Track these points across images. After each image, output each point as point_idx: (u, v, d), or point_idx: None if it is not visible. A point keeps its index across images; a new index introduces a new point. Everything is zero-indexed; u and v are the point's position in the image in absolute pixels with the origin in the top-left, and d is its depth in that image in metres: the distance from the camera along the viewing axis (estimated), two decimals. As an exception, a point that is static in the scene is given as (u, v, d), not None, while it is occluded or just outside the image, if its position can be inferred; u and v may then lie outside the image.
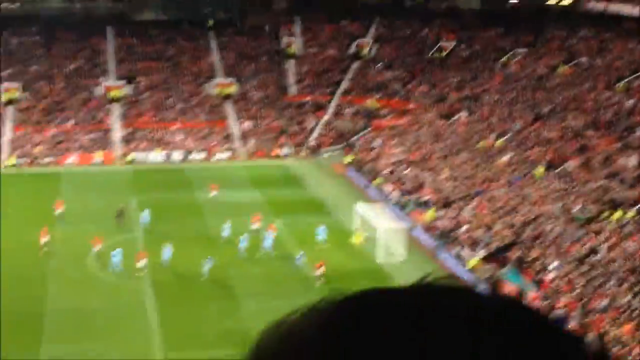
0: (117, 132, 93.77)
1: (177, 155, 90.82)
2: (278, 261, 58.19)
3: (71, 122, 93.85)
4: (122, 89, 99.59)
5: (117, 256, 55.14)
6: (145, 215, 63.97)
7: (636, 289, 44.54)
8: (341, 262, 58.05)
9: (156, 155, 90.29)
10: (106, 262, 56.12)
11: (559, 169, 63.90)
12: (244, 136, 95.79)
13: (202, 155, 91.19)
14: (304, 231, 62.72)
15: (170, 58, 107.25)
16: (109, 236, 59.80)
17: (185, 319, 48.34)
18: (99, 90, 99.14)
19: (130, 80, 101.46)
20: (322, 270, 53.20)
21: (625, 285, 45.22)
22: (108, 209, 67.18)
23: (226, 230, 61.68)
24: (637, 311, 42.62)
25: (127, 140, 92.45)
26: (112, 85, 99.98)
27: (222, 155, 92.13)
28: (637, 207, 53.48)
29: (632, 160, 58.90)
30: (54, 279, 54.29)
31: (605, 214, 54.28)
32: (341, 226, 66.09)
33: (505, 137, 74.95)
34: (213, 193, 71.33)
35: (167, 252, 55.95)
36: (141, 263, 55.06)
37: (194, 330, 46.86)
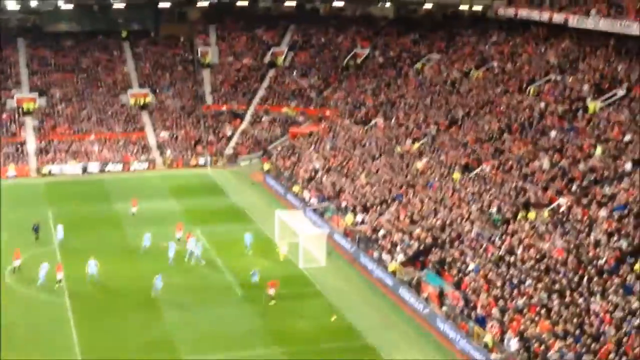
0: (32, 145, 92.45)
1: (93, 167, 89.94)
2: (200, 270, 57.99)
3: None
4: (36, 101, 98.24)
5: (43, 270, 54.37)
6: (60, 230, 63.08)
7: (551, 287, 45.47)
8: (265, 268, 58.12)
9: (72, 167, 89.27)
10: (26, 276, 55.32)
11: (475, 172, 64.92)
12: (162, 146, 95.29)
13: (120, 166, 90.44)
14: (225, 239, 62.64)
15: (84, 69, 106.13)
16: (25, 250, 58.96)
17: (106, 332, 47.87)
18: (11, 103, 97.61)
19: (43, 92, 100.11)
20: (274, 290, 51.95)
21: (540, 284, 46.12)
22: (24, 223, 66.24)
23: (146, 240, 61.35)
24: (553, 309, 43.51)
25: (42, 152, 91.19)
26: (24, 97, 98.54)
27: (139, 166, 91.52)
28: (550, 207, 54.60)
29: (544, 163, 60.10)
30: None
31: (521, 215, 55.30)
32: (262, 233, 66.20)
33: (422, 142, 75.87)
34: (133, 209, 70.44)
35: (92, 266, 55.15)
36: (59, 275, 54.44)
37: (115, 342, 46.42)
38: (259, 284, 53.43)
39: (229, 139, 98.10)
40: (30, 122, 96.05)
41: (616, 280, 44.08)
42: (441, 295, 50.14)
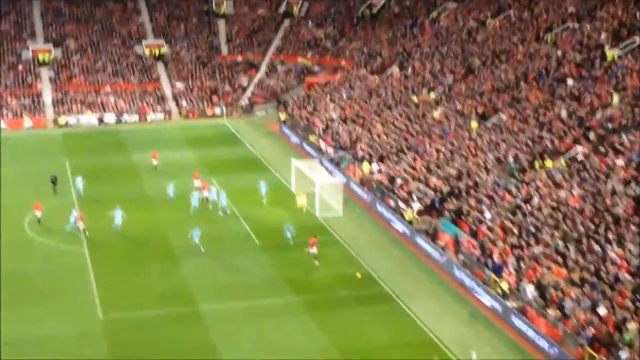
0: (48, 96, 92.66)
1: (110, 118, 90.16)
2: (218, 220, 58.23)
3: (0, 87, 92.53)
4: (51, 52, 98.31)
5: (73, 217, 55.11)
6: (79, 182, 63.39)
7: (568, 235, 45.52)
8: (281, 217, 58.40)
9: (89, 118, 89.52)
10: (45, 227, 55.77)
11: (492, 121, 64.78)
12: (177, 97, 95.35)
13: (136, 117, 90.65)
14: (242, 189, 62.84)
15: (98, 20, 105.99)
16: (44, 201, 59.31)
17: (125, 281, 48.28)
18: (26, 54, 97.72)
19: (58, 43, 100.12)
20: (315, 248, 50.54)
21: (557, 232, 46.19)
22: (42, 174, 66.69)
23: (170, 191, 61.80)
24: (569, 257, 43.62)
25: (58, 103, 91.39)
26: (40, 48, 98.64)
27: (156, 117, 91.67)
28: (567, 156, 54.52)
29: (562, 111, 59.89)
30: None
31: (538, 163, 55.26)
32: (279, 182, 66.43)
33: (438, 91, 75.66)
34: (154, 162, 70.10)
35: (117, 216, 55.65)
36: (81, 225, 54.93)
37: (133, 291, 46.84)
38: (296, 239, 53.26)
39: (245, 89, 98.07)
40: (46, 73, 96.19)
41: (632, 227, 44.10)
42: (456, 243, 50.31)
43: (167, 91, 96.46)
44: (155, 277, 48.80)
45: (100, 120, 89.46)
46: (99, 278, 48.35)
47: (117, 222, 55.42)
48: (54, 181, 63.83)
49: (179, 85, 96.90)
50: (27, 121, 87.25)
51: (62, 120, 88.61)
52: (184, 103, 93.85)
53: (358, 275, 48.22)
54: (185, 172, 66.59)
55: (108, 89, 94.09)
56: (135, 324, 42.77)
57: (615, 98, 58.52)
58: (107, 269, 49.82)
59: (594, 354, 37.16)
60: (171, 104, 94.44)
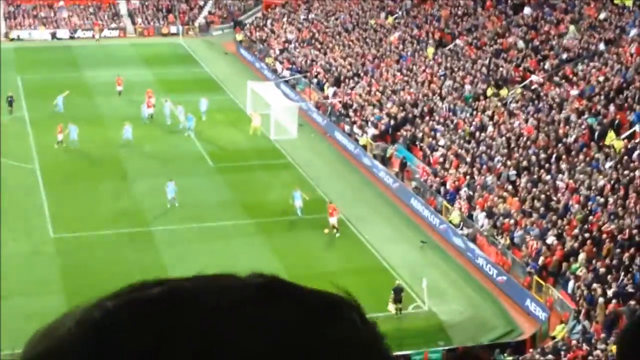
0: None
1: (63, 34, 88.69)
2: (170, 139, 57.90)
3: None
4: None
5: (74, 132, 54.87)
6: (60, 99, 61.86)
7: (520, 164, 45.87)
8: (235, 139, 58.21)
9: (41, 33, 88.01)
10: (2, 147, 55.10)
11: (448, 48, 64.67)
12: (132, 14, 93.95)
13: (89, 33, 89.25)
14: (197, 109, 62.16)
15: None
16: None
17: (76, 199, 48.02)
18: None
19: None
20: (336, 218, 44.98)
21: (509, 161, 46.53)
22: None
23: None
24: (520, 186, 44.00)
25: (10, 17, 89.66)
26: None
27: (110, 34, 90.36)
28: (522, 85, 54.70)
29: (518, 40, 59.90)
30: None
31: (493, 91, 55.40)
32: (234, 103, 66.08)
33: (396, 16, 75.23)
34: (119, 88, 67.15)
35: (72, 131, 55.02)
36: (60, 137, 54.84)
37: (84, 210, 46.63)
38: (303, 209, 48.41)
39: (202, 8, 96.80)
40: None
41: (583, 158, 44.48)
42: (403, 166, 50.56)
43: (123, 8, 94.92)
44: (107, 196, 48.59)
45: (53, 36, 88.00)
46: (51, 196, 48.06)
47: (72, 137, 54.77)
48: (10, 102, 61.81)
49: (134, 1, 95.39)
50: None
51: (13, 34, 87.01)
52: (139, 20, 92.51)
53: (325, 231, 45.08)
54: (138, 91, 65.75)
55: (62, 3, 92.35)
56: (86, 243, 42.73)
57: (572, 28, 58.59)
58: (59, 187, 49.49)
59: (542, 282, 37.77)
60: (126, 21, 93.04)
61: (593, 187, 41.79)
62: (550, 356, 33.03)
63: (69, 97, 64.14)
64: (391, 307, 37.14)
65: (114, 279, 38.81)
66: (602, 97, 49.09)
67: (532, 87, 53.88)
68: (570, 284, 37.01)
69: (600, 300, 34.38)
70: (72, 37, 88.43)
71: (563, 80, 52.84)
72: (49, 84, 69.36)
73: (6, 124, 58.28)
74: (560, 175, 43.78)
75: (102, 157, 54.31)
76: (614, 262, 36.40)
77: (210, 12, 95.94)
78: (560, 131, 47.40)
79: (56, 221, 44.93)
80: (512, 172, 45.65)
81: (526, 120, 50.07)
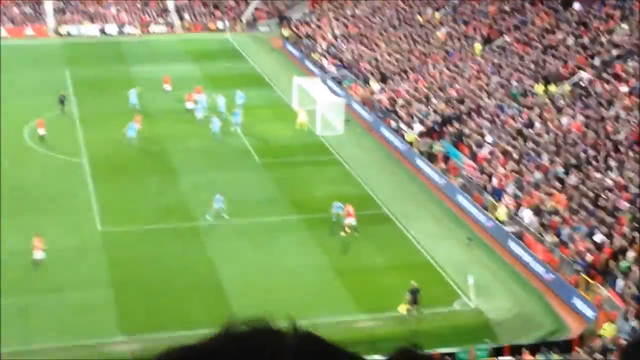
0: (49, 5, 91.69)
1: (111, 29, 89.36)
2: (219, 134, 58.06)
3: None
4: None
5: (132, 129, 54.95)
6: (133, 94, 62.09)
7: (568, 161, 45.45)
8: (281, 135, 58.28)
9: (90, 29, 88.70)
10: (49, 139, 55.40)
11: (496, 44, 64.23)
12: (180, 9, 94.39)
13: (137, 29, 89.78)
14: (244, 104, 62.17)
15: None
16: (41, 112, 58.97)
17: (123, 194, 48.38)
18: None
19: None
20: (353, 219, 43.94)
21: (557, 158, 46.12)
22: (44, 84, 66.48)
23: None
24: (568, 183, 43.60)
25: (59, 12, 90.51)
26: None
27: (158, 29, 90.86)
28: (571, 81, 54.19)
29: (567, 36, 59.33)
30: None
31: (541, 88, 54.94)
32: (280, 99, 66.17)
33: (443, 12, 74.87)
34: (166, 87, 66.80)
35: (131, 128, 55.10)
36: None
37: (131, 204, 46.98)
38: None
39: (249, 3, 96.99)
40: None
41: (633, 155, 43.99)
42: (448, 164, 50.34)
43: (170, 4, 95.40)
44: (155, 190, 48.90)
45: (102, 31, 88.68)
46: (99, 190, 48.45)
47: (131, 134, 55.07)
48: (62, 100, 61.58)
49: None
50: (29, 30, 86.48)
51: (63, 29, 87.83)
52: (186, 16, 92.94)
53: (342, 233, 43.74)
54: (187, 86, 65.90)
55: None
56: (133, 237, 43.03)
57: (623, 24, 57.90)
58: (107, 181, 49.87)
59: (590, 280, 37.39)
60: (174, 17, 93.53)
61: (642, 185, 41.32)
62: (598, 355, 32.72)
63: (116, 91, 64.67)
64: (402, 309, 36.77)
65: (160, 273, 39.35)
66: (653, 94, 48.53)
67: (581, 84, 53.34)
68: (619, 282, 36.59)
69: (650, 299, 33.98)
70: (120, 33, 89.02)
71: (612, 77, 52.24)
72: (97, 79, 69.91)
73: (54, 118, 58.77)
74: (609, 173, 43.32)
75: (150, 152, 54.64)
76: (664, 261, 35.95)
77: (257, 8, 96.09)
78: (609, 128, 46.90)
79: (104, 215, 45.29)
80: (560, 169, 45.25)
81: (574, 117, 49.58)
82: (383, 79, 65.60)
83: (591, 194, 42.18)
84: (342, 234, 43.80)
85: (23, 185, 48.83)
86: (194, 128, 58.39)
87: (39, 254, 39.46)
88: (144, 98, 62.30)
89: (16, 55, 77.16)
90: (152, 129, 57.95)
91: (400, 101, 60.35)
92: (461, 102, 57.06)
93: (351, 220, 43.68)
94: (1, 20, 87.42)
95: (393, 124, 58.19)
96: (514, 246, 42.24)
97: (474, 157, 50.55)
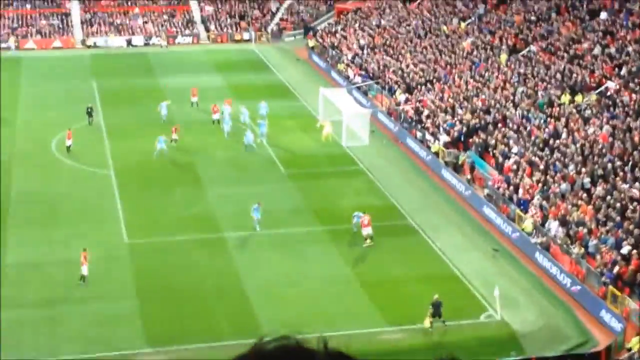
0: (77, 16, 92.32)
1: (138, 40, 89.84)
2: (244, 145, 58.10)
3: (29, 6, 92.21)
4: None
5: (161, 142, 54.93)
6: (164, 107, 62.07)
7: (595, 172, 45.20)
8: (307, 145, 58.33)
9: (117, 40, 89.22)
10: (76, 150, 55.77)
11: (522, 53, 64.03)
12: (206, 20, 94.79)
13: (164, 40, 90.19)
14: (269, 115, 62.33)
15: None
16: (69, 123, 59.30)
17: (150, 205, 48.56)
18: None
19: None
20: (370, 228, 43.75)
21: (584, 169, 45.87)
22: (71, 95, 66.97)
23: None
24: (595, 194, 43.37)
25: (87, 24, 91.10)
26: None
27: (184, 40, 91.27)
28: (597, 91, 53.92)
29: (594, 45, 59.06)
30: (19, 163, 54.09)
31: (567, 98, 54.68)
32: (305, 109, 66.23)
33: (468, 22, 74.77)
34: (193, 99, 66.19)
35: (161, 141, 54.94)
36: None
37: (158, 216, 47.13)
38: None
39: (274, 14, 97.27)
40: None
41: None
42: (472, 171, 50.34)
43: (196, 14, 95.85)
44: (181, 202, 49.05)
45: (129, 43, 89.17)
46: (125, 201, 48.66)
47: (159, 146, 54.93)
48: (90, 112, 61.69)
49: (208, 8, 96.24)
50: (57, 41, 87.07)
51: (90, 41, 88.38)
52: (212, 27, 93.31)
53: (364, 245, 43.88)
54: (213, 97, 66.03)
55: (137, 10, 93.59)
56: (160, 248, 43.16)
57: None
58: (134, 192, 50.11)
59: (617, 292, 37.15)
60: (199, 28, 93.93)
61: (670, 196, 41.05)
62: (625, 368, 32.48)
63: (142, 102, 65.04)
64: (427, 323, 36.59)
65: (187, 284, 39.43)
66: (680, 104, 48.20)
67: (608, 94, 53.07)
68: (647, 294, 36.35)
69: (678, 311, 33.72)
70: (146, 44, 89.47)
71: (639, 87, 51.93)
72: (124, 90, 70.31)
73: (82, 130, 59.06)
74: (636, 184, 43.04)
75: (176, 163, 54.79)
76: (692, 272, 35.66)
77: (282, 19, 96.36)
78: (636, 138, 46.60)
79: (130, 226, 45.47)
80: (587, 179, 45.01)
81: (601, 127, 49.32)
82: (408, 89, 65.54)
83: (618, 205, 41.92)
84: (365, 245, 43.67)
85: (50, 197, 49.15)
86: (219, 139, 58.51)
87: (85, 269, 39.58)
88: (171, 109, 62.48)
89: (43, 67, 77.86)
90: (180, 141, 58.15)
91: (425, 111, 60.26)
92: (487, 112, 56.89)
93: (368, 230, 43.62)
94: (30, 33, 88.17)
95: (419, 134, 58.11)
96: (540, 258, 42.04)
97: (500, 167, 50.38)
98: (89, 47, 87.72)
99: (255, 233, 44.79)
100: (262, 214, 45.34)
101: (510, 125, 54.23)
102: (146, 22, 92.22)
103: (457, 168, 52.65)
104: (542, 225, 43.46)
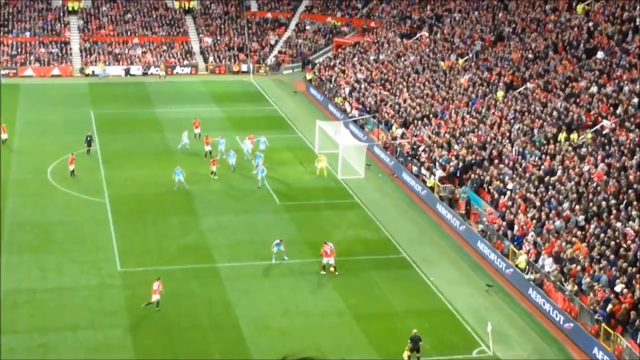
0: (76, 45, 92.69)
1: (136, 70, 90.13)
2: (239, 177, 58.22)
3: (28, 34, 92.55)
4: (81, 1, 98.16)
5: (178, 174, 54.94)
6: (185, 136, 62.51)
7: (589, 210, 45.29)
8: (302, 178, 58.40)
9: (115, 69, 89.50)
10: (66, 176, 55.96)
11: (519, 91, 64.29)
12: (204, 52, 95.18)
13: (162, 70, 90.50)
14: (266, 147, 62.43)
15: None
16: (65, 151, 59.39)
17: (144, 234, 48.54)
18: (56, 2, 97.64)
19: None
20: (332, 258, 44.41)
21: (578, 206, 45.94)
22: (68, 123, 67.08)
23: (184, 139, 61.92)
24: (589, 232, 43.41)
25: (86, 53, 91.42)
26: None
27: (182, 71, 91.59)
28: (593, 129, 54.11)
29: (590, 84, 59.30)
30: (14, 190, 54.14)
31: (563, 136, 54.87)
32: (302, 142, 66.35)
33: (466, 58, 75.13)
34: (196, 130, 65.89)
35: (178, 173, 54.98)
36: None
37: (151, 244, 47.10)
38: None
39: (273, 47, 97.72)
40: (74, 22, 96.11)
41: (656, 205, 43.75)
42: (468, 206, 50.33)
43: (195, 45, 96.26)
44: (175, 231, 49.02)
45: (127, 72, 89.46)
46: (119, 230, 48.63)
47: (177, 178, 54.94)
48: (89, 141, 61.57)
49: (207, 39, 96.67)
50: (55, 69, 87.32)
51: (88, 70, 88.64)
52: (210, 58, 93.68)
53: (331, 270, 44.39)
54: (210, 127, 66.20)
55: (136, 40, 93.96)
56: (153, 277, 43.01)
57: (645, 73, 57.87)
58: (128, 221, 50.09)
59: (610, 330, 37.10)
60: (198, 59, 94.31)
61: (664, 235, 41.07)
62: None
63: (139, 131, 65.15)
64: (405, 356, 36.39)
65: (179, 313, 39.31)
66: (675, 144, 48.34)
67: (604, 132, 53.26)
68: (640, 333, 36.29)
69: (670, 350, 33.65)
70: (145, 74, 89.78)
71: (634, 126, 52.14)
72: (121, 119, 70.51)
73: (79, 157, 59.09)
74: (630, 222, 43.11)
75: (170, 192, 54.77)
76: (685, 312, 35.64)
77: (280, 52, 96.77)
78: (632, 177, 46.73)
79: (124, 255, 45.42)
80: (581, 217, 45.08)
81: (596, 166, 49.46)
82: (405, 124, 65.75)
83: (612, 243, 41.96)
84: (322, 273, 43.94)
85: (44, 224, 49.15)
86: (218, 170, 58.47)
87: (155, 297, 39.48)
88: (171, 140, 62.65)
89: (41, 95, 78.04)
90: (174, 169, 58.23)
91: (421, 146, 60.41)
92: (483, 148, 57.07)
93: (329, 260, 44.11)
94: (28, 60, 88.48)
95: (414, 169, 58.24)
96: (533, 294, 42.02)
97: (495, 203, 50.47)
98: (87, 75, 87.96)
99: (248, 264, 44.80)
100: (253, 244, 45.35)
101: (506, 161, 54.40)
102: (145, 52, 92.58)
103: (452, 203, 52.73)
104: (536, 261, 43.47)
